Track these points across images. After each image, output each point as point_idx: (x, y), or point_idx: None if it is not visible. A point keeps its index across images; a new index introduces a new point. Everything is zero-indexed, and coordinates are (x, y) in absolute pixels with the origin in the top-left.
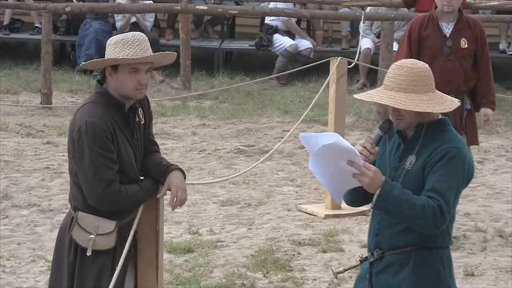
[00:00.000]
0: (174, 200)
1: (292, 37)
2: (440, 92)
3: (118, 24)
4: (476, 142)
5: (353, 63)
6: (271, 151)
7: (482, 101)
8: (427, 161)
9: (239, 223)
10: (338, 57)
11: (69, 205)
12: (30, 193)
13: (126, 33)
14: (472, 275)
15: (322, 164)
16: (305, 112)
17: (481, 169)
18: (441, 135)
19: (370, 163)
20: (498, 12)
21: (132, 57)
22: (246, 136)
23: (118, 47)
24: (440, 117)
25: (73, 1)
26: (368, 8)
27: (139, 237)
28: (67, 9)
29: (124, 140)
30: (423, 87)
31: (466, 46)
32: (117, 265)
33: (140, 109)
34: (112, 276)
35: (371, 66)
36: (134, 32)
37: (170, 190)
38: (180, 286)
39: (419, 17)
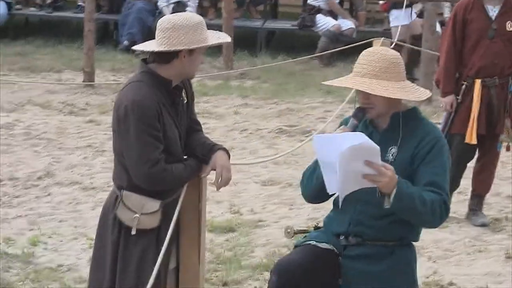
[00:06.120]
0: (219, 180)
1: (335, 17)
2: (410, 82)
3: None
4: None
5: (394, 43)
6: (315, 133)
7: None
8: (416, 153)
9: (280, 203)
10: (381, 37)
11: (111, 183)
12: (72, 171)
13: (191, 15)
14: None
15: (342, 165)
16: (350, 94)
17: None
18: (420, 125)
19: None
20: None
21: (222, 40)
22: (288, 116)
23: (198, 29)
24: (411, 106)
25: None
26: None
27: (181, 216)
28: None
29: (169, 119)
30: (395, 75)
31: (511, 29)
32: (161, 245)
33: (183, 88)
34: (156, 255)
35: (414, 47)
36: (194, 14)
37: (214, 170)
38: (221, 265)
39: (464, 1)
